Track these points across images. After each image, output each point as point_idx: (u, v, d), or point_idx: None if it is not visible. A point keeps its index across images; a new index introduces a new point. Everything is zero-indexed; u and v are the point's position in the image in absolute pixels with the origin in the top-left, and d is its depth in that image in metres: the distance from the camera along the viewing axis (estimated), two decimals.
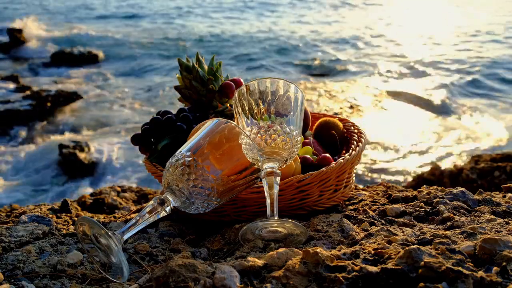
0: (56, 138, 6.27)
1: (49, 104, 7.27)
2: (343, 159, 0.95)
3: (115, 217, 1.13)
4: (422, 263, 0.60)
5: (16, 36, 11.41)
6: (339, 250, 0.72)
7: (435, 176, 3.34)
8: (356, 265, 0.63)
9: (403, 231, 0.80)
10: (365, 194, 1.10)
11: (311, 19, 14.94)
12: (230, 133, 0.82)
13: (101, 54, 10.52)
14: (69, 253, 0.79)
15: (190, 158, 0.77)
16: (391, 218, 0.90)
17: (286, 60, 10.14)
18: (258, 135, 0.84)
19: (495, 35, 11.58)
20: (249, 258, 0.67)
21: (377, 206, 0.98)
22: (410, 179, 4.28)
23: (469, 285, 0.56)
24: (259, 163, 0.82)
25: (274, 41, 11.68)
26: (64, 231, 0.94)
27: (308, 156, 1.01)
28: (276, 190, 0.80)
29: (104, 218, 1.12)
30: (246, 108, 0.86)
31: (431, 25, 13.27)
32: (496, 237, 0.68)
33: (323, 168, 0.91)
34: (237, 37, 12.16)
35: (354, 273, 0.61)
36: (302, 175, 0.90)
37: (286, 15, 15.66)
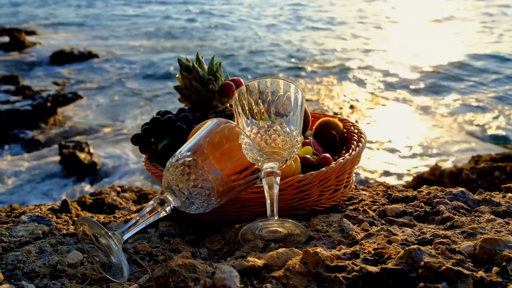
0: (56, 138, 6.27)
1: (49, 104, 7.27)
2: (343, 159, 0.95)
3: (115, 217, 1.13)
4: (422, 263, 0.60)
5: (17, 36, 11.42)
6: (339, 250, 0.72)
7: (435, 176, 3.35)
8: (356, 265, 0.63)
9: (403, 231, 0.80)
10: (365, 194, 1.10)
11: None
12: (230, 133, 0.82)
13: (100, 54, 10.53)
14: (69, 253, 0.79)
15: (190, 158, 0.77)
16: (391, 218, 0.90)
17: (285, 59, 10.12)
18: (258, 135, 0.84)
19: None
20: (249, 258, 0.67)
21: (377, 206, 0.98)
22: (410, 179, 4.28)
23: (469, 285, 0.56)
24: (259, 163, 0.82)
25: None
26: (64, 231, 0.94)
27: (308, 156, 1.01)
28: (276, 190, 0.80)
29: (104, 218, 1.12)
30: (246, 108, 0.86)
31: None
32: (496, 237, 0.68)
33: (323, 168, 0.91)
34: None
35: (354, 273, 0.61)
36: (302, 175, 0.90)
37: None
